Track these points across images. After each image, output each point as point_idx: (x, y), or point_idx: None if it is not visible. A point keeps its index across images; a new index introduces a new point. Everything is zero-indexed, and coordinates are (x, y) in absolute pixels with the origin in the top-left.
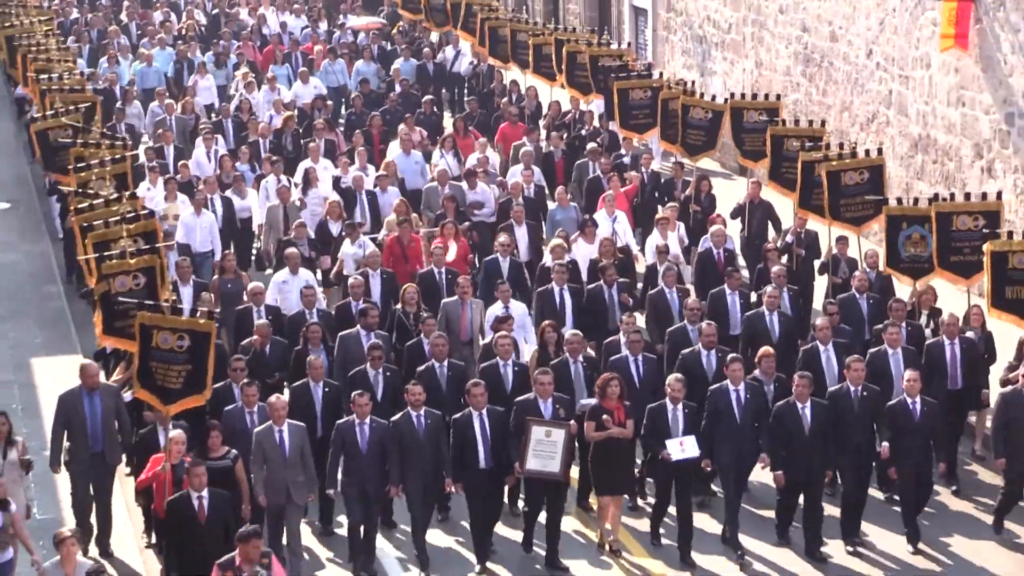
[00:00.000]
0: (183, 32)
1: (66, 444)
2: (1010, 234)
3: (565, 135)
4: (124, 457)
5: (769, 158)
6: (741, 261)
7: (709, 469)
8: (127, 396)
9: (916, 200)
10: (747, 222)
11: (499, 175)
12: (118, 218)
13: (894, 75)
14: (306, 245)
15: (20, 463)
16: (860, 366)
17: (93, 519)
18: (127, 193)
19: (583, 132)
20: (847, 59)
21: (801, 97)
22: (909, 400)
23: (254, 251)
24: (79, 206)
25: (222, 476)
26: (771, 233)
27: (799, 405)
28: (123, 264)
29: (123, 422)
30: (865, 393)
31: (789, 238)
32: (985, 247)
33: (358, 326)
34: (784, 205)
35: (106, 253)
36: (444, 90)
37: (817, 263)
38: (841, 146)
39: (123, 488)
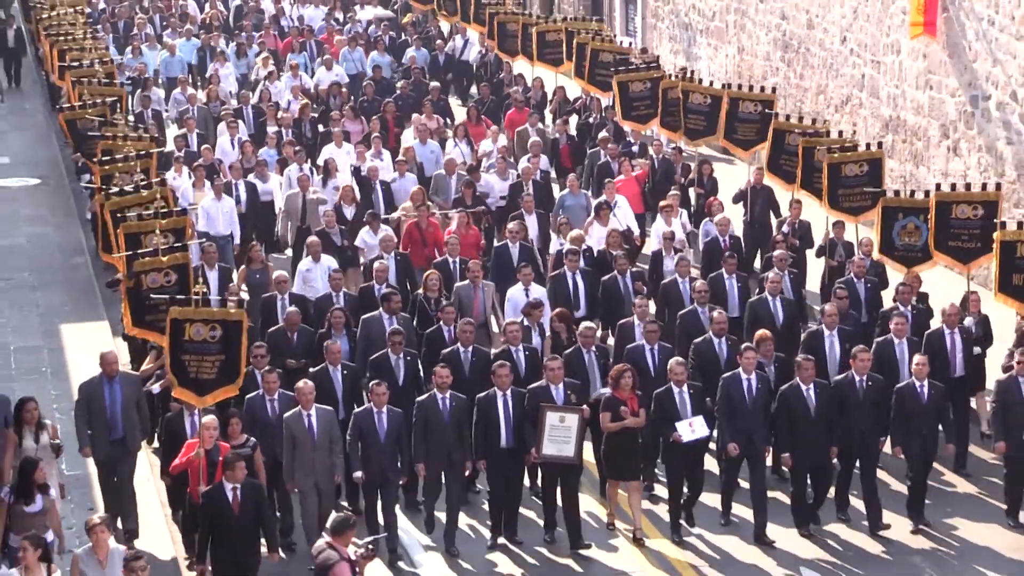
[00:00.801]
0: (207, 21)
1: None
2: (1020, 224)
3: (576, 120)
4: (149, 440)
5: (769, 150)
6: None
7: (736, 453)
8: (155, 388)
9: (913, 192)
10: (749, 207)
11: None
12: (152, 212)
13: (866, 60)
14: (338, 234)
15: (51, 447)
16: (866, 356)
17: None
18: (156, 180)
19: (590, 120)
20: (823, 45)
21: (780, 81)
22: (917, 383)
23: (276, 235)
24: (110, 191)
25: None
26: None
27: (804, 387)
28: (155, 262)
29: (142, 409)
30: (870, 383)
31: (785, 228)
32: (995, 235)
33: (380, 309)
34: (782, 194)
35: (139, 251)
36: (451, 77)
37: (811, 252)
38: (841, 134)
39: (152, 470)
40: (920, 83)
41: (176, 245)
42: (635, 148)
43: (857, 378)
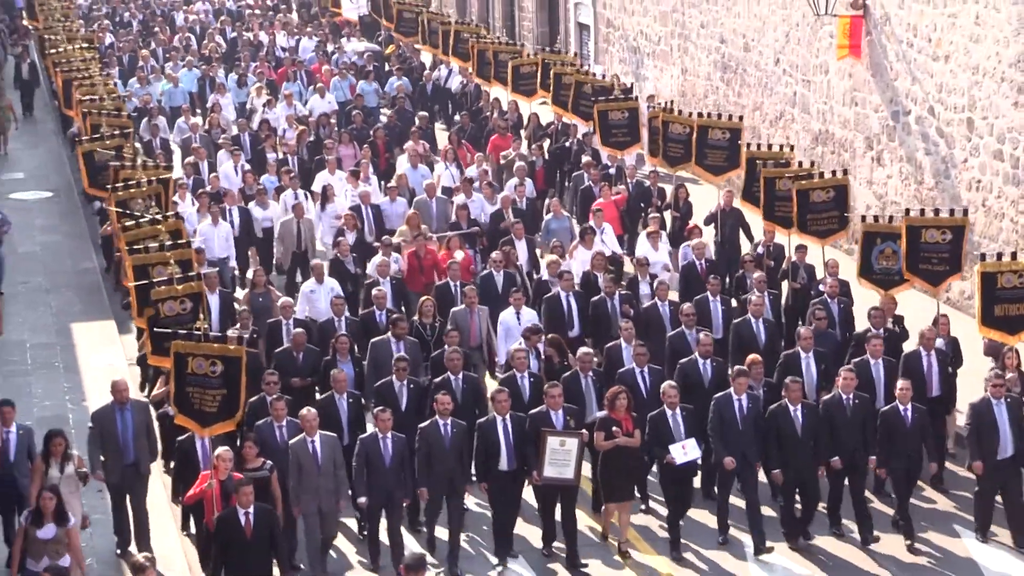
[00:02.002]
0: (207, 54)
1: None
2: (999, 255)
3: (548, 144)
4: (165, 462)
5: (743, 179)
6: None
7: (733, 467)
8: (172, 410)
9: (891, 218)
10: (720, 228)
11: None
12: (157, 244)
13: (798, 79)
14: (352, 262)
15: (77, 475)
16: (851, 375)
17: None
18: (171, 214)
19: (566, 144)
20: (758, 66)
21: (719, 99)
22: (901, 407)
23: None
24: (126, 224)
25: (258, 486)
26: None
27: (791, 408)
28: (171, 290)
29: (151, 433)
30: (856, 401)
31: (760, 250)
32: (976, 268)
33: (389, 334)
34: (752, 217)
35: (155, 279)
36: (437, 106)
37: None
38: (801, 164)
39: (165, 488)
40: (846, 100)
41: (190, 275)
42: (612, 171)
43: (844, 397)
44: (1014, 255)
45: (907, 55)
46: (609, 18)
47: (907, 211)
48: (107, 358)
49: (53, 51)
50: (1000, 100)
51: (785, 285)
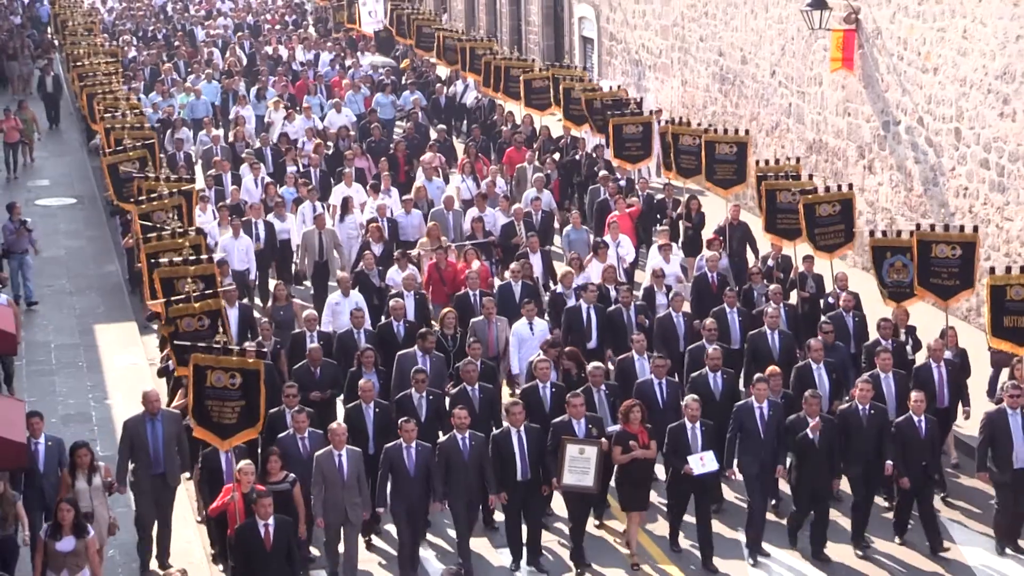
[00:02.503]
0: (228, 67)
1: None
2: (1008, 268)
3: (560, 157)
4: (190, 473)
5: (755, 192)
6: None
7: (735, 478)
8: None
9: (899, 232)
10: (728, 242)
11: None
12: (181, 259)
13: (793, 91)
14: (376, 275)
15: (103, 485)
16: (868, 387)
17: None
18: (193, 228)
19: (576, 156)
20: (755, 78)
21: (718, 109)
22: (915, 418)
23: (294, 267)
24: (147, 235)
25: (281, 499)
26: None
27: (810, 421)
28: (189, 308)
29: (182, 444)
30: (872, 411)
31: (770, 262)
32: (985, 281)
33: (416, 347)
34: (758, 230)
35: (173, 297)
36: (453, 119)
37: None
38: (811, 177)
39: (190, 500)
40: (839, 110)
41: (207, 292)
42: (623, 183)
43: (860, 408)
44: (1023, 268)
45: (898, 68)
46: (612, 32)
47: (917, 226)
48: (129, 358)
49: (77, 64)
50: (986, 111)
51: (794, 295)
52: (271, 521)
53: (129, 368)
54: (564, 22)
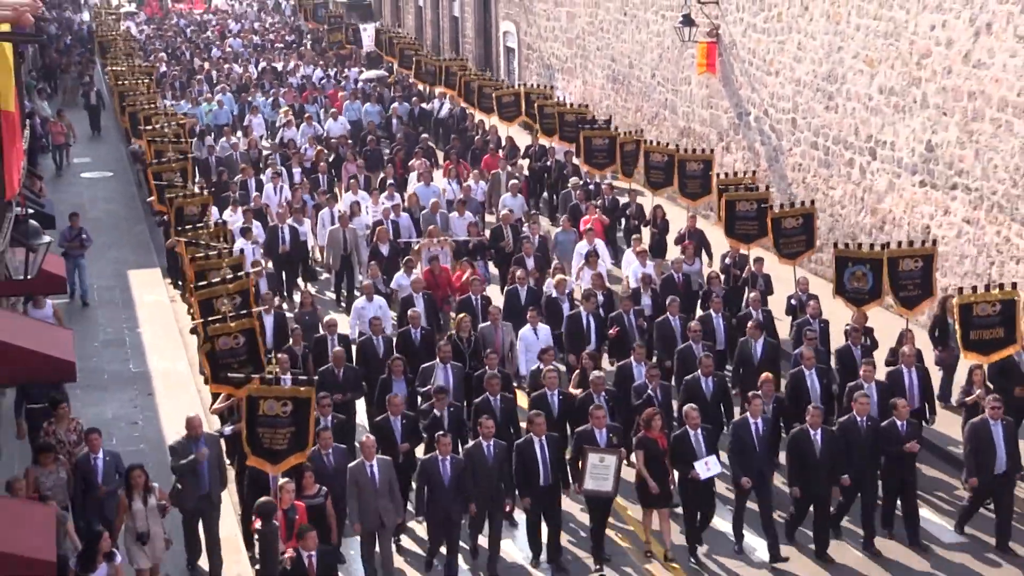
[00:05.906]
0: (244, 82)
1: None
2: (974, 288)
3: (529, 163)
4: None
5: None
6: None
7: (749, 486)
8: (227, 430)
9: (860, 245)
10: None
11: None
12: (219, 279)
13: (668, 89)
14: (381, 282)
15: (158, 507)
16: (866, 399)
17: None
18: (237, 247)
19: (547, 163)
20: (639, 79)
21: (611, 103)
22: (899, 422)
23: (310, 263)
24: (195, 255)
25: (316, 512)
26: (705, 258)
27: (812, 432)
28: (225, 327)
29: (222, 464)
30: (869, 423)
31: (727, 260)
32: (954, 300)
33: (437, 359)
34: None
35: (211, 318)
36: (423, 128)
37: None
38: (768, 187)
39: (234, 510)
40: (704, 104)
41: (243, 312)
42: (591, 187)
43: (859, 419)
44: (987, 287)
45: (748, 71)
46: (529, 43)
47: (886, 244)
48: (154, 296)
49: (120, 83)
50: (816, 105)
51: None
52: (315, 552)
53: (155, 304)
54: (492, 36)
